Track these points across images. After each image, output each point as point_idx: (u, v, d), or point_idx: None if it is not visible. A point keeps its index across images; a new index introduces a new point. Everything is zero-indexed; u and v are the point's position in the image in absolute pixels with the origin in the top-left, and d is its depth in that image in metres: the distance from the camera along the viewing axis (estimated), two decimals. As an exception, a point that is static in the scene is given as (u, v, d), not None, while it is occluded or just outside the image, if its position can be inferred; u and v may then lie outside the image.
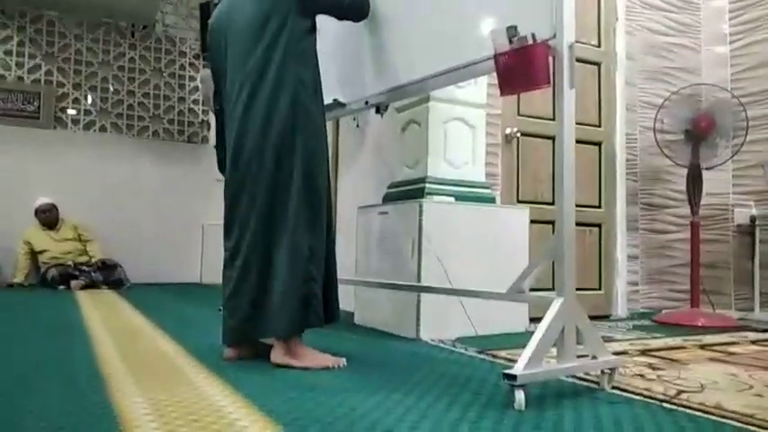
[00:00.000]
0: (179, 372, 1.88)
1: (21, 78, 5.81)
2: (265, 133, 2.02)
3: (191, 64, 6.52)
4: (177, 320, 3.19)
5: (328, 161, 2.18)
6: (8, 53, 5.78)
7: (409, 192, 2.97)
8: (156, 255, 5.96)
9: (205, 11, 6.03)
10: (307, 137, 2.04)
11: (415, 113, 3.06)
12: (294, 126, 2.02)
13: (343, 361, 2.00)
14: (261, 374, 1.87)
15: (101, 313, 3.43)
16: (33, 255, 5.36)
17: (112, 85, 6.18)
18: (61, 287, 5.03)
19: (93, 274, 5.20)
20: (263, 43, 2.04)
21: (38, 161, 5.69)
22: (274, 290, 1.97)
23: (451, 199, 2.88)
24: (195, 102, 6.53)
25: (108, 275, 5.26)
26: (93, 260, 5.36)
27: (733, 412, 1.49)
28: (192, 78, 6.52)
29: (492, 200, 3.07)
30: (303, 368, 1.94)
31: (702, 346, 2.59)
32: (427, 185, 2.88)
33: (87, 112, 6.07)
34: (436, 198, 2.84)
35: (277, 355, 1.99)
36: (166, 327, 2.84)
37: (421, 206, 2.74)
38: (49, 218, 5.41)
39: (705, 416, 1.47)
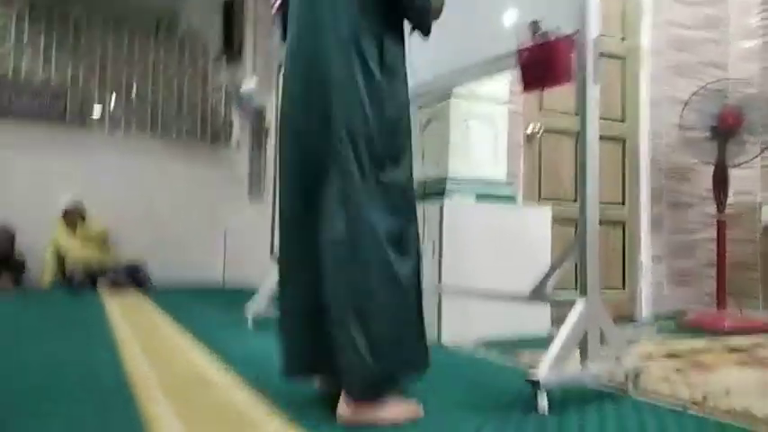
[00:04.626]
0: (212, 386, 1.88)
1: (47, 78, 5.90)
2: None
3: (214, 62, 6.56)
4: (206, 327, 3.02)
5: None
6: (35, 53, 5.88)
7: (430, 191, 2.94)
8: (178, 256, 5.93)
9: (228, 10, 6.10)
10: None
11: (435, 110, 3.03)
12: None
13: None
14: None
15: (126, 314, 3.44)
16: (60, 256, 5.43)
17: (137, 84, 6.25)
18: (87, 287, 5.09)
19: (117, 274, 5.27)
20: None
21: (64, 161, 5.76)
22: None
23: (472, 198, 2.85)
24: (219, 101, 6.57)
25: (133, 276, 5.33)
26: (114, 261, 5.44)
27: (761, 418, 1.45)
28: (215, 76, 6.56)
29: (513, 199, 3.03)
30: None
31: (729, 349, 2.53)
32: (448, 184, 2.85)
33: (113, 112, 6.15)
34: (457, 197, 2.82)
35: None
36: (195, 332, 2.72)
37: (442, 206, 2.72)
38: (80, 213, 5.49)
39: (732, 421, 1.43)
